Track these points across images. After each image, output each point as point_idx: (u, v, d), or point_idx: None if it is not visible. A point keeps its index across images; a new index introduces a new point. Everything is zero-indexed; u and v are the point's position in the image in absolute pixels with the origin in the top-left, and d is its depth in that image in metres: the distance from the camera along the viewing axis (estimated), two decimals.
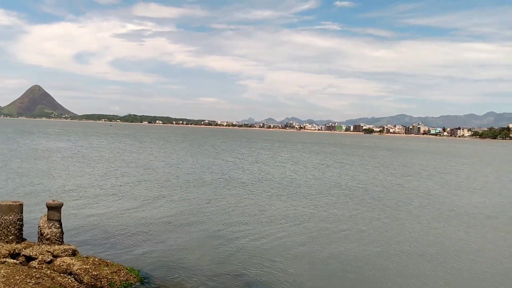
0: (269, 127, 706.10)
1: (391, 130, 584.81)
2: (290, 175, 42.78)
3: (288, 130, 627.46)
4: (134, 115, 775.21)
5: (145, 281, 13.00)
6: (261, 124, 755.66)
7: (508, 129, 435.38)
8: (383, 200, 30.29)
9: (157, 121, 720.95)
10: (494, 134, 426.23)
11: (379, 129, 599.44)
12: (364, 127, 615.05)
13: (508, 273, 15.69)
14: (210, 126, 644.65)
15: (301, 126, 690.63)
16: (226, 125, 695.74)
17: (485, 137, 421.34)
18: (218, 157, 63.29)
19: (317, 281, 14.19)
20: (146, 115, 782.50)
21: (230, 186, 33.48)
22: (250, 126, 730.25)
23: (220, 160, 56.85)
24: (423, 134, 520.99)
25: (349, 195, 31.90)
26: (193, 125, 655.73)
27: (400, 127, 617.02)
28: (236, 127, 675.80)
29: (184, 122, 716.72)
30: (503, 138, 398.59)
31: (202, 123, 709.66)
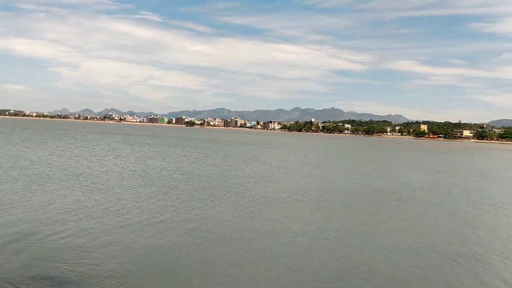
0: (86, 118, 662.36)
1: (211, 123, 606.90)
2: (112, 168, 40.95)
3: (108, 121, 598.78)
4: None
5: None
6: (77, 116, 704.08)
7: (310, 123, 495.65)
8: (205, 189, 31.35)
9: None
10: (299, 127, 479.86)
11: (200, 122, 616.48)
12: (186, 120, 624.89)
13: (301, 247, 17.93)
14: (16, 117, 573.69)
15: (122, 118, 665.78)
16: (36, 116, 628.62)
17: (292, 130, 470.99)
18: (24, 149, 56.74)
19: (136, 274, 14.04)
20: None
21: (41, 182, 30.46)
22: (64, 117, 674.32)
23: (24, 153, 51.02)
24: (240, 127, 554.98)
25: (172, 185, 32.13)
26: None
27: (220, 120, 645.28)
28: (48, 118, 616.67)
29: None
30: (306, 131, 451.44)
31: (7, 113, 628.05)
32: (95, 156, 53.98)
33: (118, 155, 56.82)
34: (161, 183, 32.89)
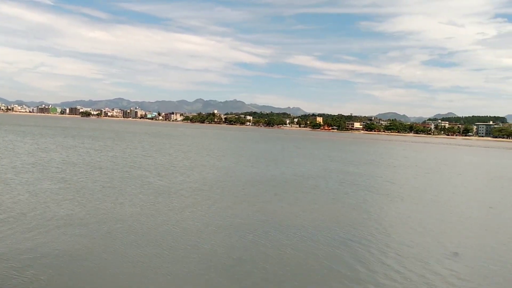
0: None
1: (109, 114, 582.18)
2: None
3: None
4: None
5: None
6: None
7: (213, 114, 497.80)
8: (104, 181, 30.56)
9: None
10: (202, 118, 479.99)
11: (97, 112, 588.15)
12: (81, 110, 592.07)
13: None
14: None
15: (9, 107, 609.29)
16: None
17: (195, 121, 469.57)
18: None
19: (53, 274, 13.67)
20: None
21: None
22: None
23: None
24: (140, 118, 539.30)
25: (71, 179, 30.79)
26: None
27: (118, 110, 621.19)
28: None
29: None
30: (209, 122, 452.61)
31: None
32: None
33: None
34: (60, 176, 31.34)
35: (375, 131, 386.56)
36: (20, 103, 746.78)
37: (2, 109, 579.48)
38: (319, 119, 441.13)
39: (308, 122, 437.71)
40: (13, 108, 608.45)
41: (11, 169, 33.83)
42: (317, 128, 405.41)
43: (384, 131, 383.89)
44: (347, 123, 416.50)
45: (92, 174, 33.85)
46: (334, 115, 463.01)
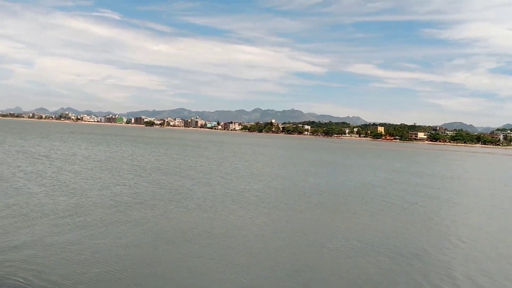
0: (41, 117, 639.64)
1: (171, 123, 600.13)
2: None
3: (64, 121, 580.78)
4: None
5: None
6: (31, 114, 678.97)
7: (271, 123, 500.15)
8: (168, 188, 31.83)
9: None
10: (260, 128, 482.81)
11: (160, 122, 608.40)
12: (145, 120, 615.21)
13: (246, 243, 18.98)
14: None
15: (79, 117, 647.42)
16: None
17: (253, 131, 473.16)
18: None
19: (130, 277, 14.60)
20: None
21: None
22: (17, 116, 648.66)
23: None
24: (200, 127, 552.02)
25: (137, 184, 32.36)
26: None
27: (180, 120, 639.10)
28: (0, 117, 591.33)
29: None
30: (267, 132, 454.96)
31: None
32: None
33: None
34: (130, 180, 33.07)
35: (440, 141, 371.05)
36: (89, 113, 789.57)
37: (73, 119, 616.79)
38: (380, 129, 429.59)
39: (369, 132, 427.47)
40: (82, 117, 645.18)
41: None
42: (378, 138, 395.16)
43: (449, 142, 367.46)
44: (410, 133, 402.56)
45: (165, 179, 35.33)
46: (396, 125, 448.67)
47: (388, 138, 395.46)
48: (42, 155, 51.61)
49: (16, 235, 17.16)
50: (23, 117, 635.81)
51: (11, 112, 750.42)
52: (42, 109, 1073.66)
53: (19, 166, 39.02)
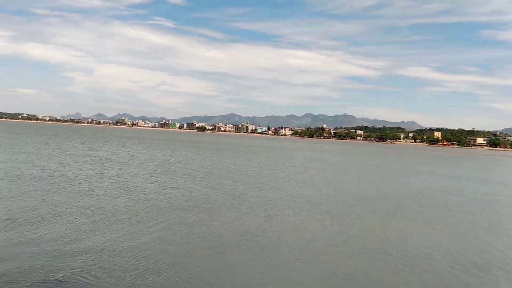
0: (99, 123, 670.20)
1: (222, 129, 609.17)
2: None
3: (120, 126, 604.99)
4: None
5: None
6: (90, 120, 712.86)
7: (322, 129, 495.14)
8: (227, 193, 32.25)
9: None
10: (311, 133, 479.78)
11: (211, 127, 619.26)
12: (197, 125, 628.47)
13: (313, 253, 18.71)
14: (29, 121, 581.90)
15: (134, 123, 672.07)
16: (49, 120, 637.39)
17: (304, 136, 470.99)
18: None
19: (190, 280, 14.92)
20: None
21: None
22: (77, 122, 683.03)
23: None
24: (251, 132, 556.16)
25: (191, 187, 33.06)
26: (8, 119, 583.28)
27: (231, 125, 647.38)
28: (61, 123, 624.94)
29: None
30: (318, 137, 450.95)
31: (20, 117, 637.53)
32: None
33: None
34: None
35: (500, 147, 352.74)
36: (144, 119, 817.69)
37: (128, 124, 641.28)
38: (437, 134, 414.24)
39: (425, 137, 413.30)
40: (137, 123, 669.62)
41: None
42: (434, 144, 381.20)
43: (511, 148, 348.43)
44: (469, 139, 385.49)
45: (218, 183, 35.90)
46: (454, 130, 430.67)
47: (445, 143, 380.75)
48: (107, 159, 54.00)
49: (79, 236, 17.99)
50: (82, 122, 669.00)
51: (71, 118, 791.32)
52: (100, 114, 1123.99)
53: (85, 169, 40.99)
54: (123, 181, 34.37)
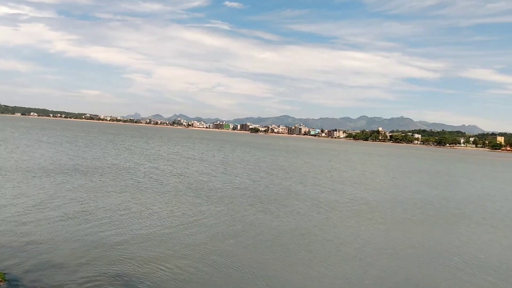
0: (156, 123, 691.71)
1: (275, 130, 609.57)
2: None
3: (176, 127, 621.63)
4: (5, 106, 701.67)
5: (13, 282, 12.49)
6: (148, 120, 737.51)
7: (377, 132, 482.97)
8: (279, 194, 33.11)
9: (31, 113, 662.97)
10: (365, 136, 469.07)
11: (265, 128, 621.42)
12: (250, 126, 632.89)
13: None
14: (92, 121, 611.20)
15: (190, 123, 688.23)
16: (110, 120, 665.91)
17: (358, 139, 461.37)
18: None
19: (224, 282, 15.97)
20: (19, 106, 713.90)
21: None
22: (136, 122, 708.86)
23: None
24: (304, 134, 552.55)
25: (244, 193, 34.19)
26: (73, 119, 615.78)
27: (284, 127, 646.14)
28: (121, 122, 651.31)
29: (63, 115, 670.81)
30: (373, 140, 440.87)
31: (83, 117, 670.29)
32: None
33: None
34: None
35: None
36: (199, 120, 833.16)
37: (184, 125, 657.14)
38: (500, 139, 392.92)
39: (487, 142, 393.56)
40: (193, 124, 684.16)
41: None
42: (497, 149, 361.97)
43: None
44: None
45: (277, 183, 36.88)
46: None
47: (508, 149, 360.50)
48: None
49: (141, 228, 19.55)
50: (141, 122, 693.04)
51: (131, 118, 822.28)
52: (157, 115, 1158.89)
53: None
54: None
